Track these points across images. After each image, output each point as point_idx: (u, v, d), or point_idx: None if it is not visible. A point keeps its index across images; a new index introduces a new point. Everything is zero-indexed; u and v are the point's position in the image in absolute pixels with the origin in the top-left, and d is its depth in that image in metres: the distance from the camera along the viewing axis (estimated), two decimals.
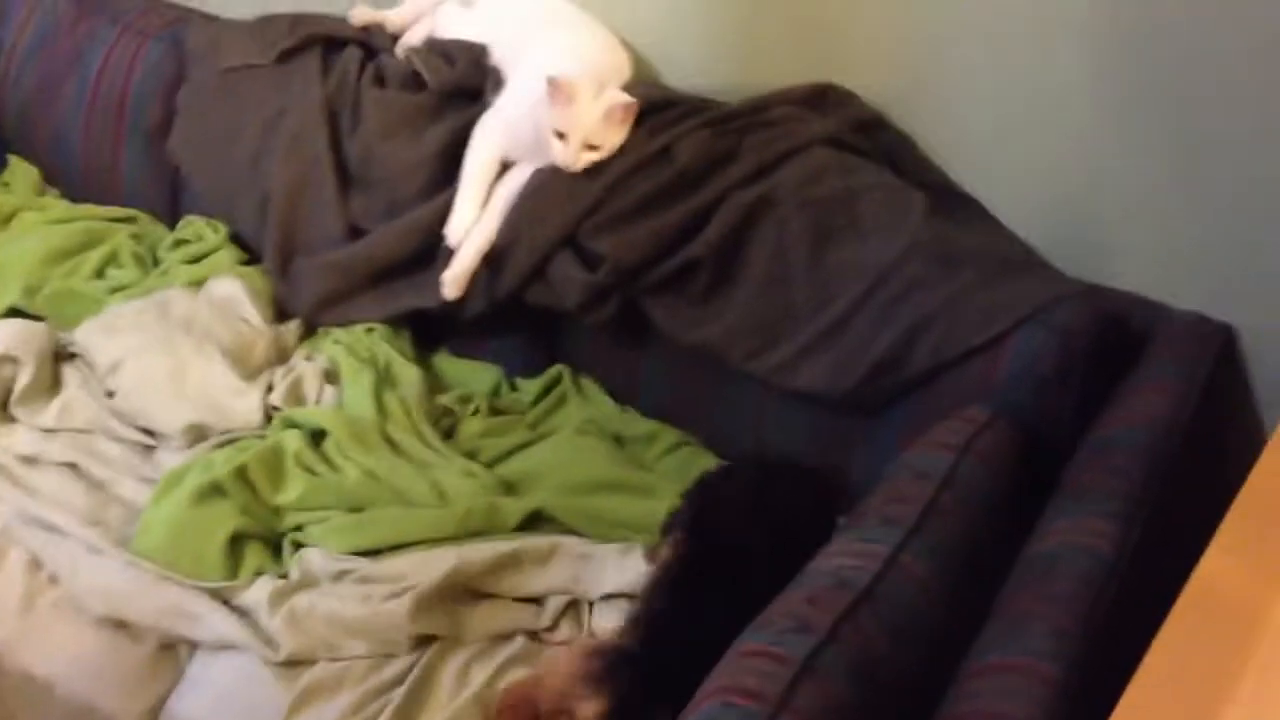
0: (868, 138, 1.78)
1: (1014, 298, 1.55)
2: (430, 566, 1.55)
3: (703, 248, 1.73)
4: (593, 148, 1.77)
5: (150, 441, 1.81)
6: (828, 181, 1.70)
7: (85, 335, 1.95)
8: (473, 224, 1.85)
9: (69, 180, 2.38)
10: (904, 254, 1.62)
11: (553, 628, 1.54)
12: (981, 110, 1.75)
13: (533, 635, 1.54)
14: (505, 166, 1.88)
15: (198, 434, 1.80)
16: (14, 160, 2.43)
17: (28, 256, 2.13)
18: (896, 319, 1.59)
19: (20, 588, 1.61)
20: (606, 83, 1.83)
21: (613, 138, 1.78)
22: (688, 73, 1.97)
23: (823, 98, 1.82)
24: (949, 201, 1.73)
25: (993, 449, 1.37)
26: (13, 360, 1.88)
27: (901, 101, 1.81)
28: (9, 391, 1.85)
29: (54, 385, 1.90)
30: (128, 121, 2.26)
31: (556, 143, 1.76)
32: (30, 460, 1.76)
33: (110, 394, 1.87)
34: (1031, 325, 1.52)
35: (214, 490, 1.65)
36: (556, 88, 1.73)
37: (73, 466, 1.76)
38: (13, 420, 1.83)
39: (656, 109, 1.85)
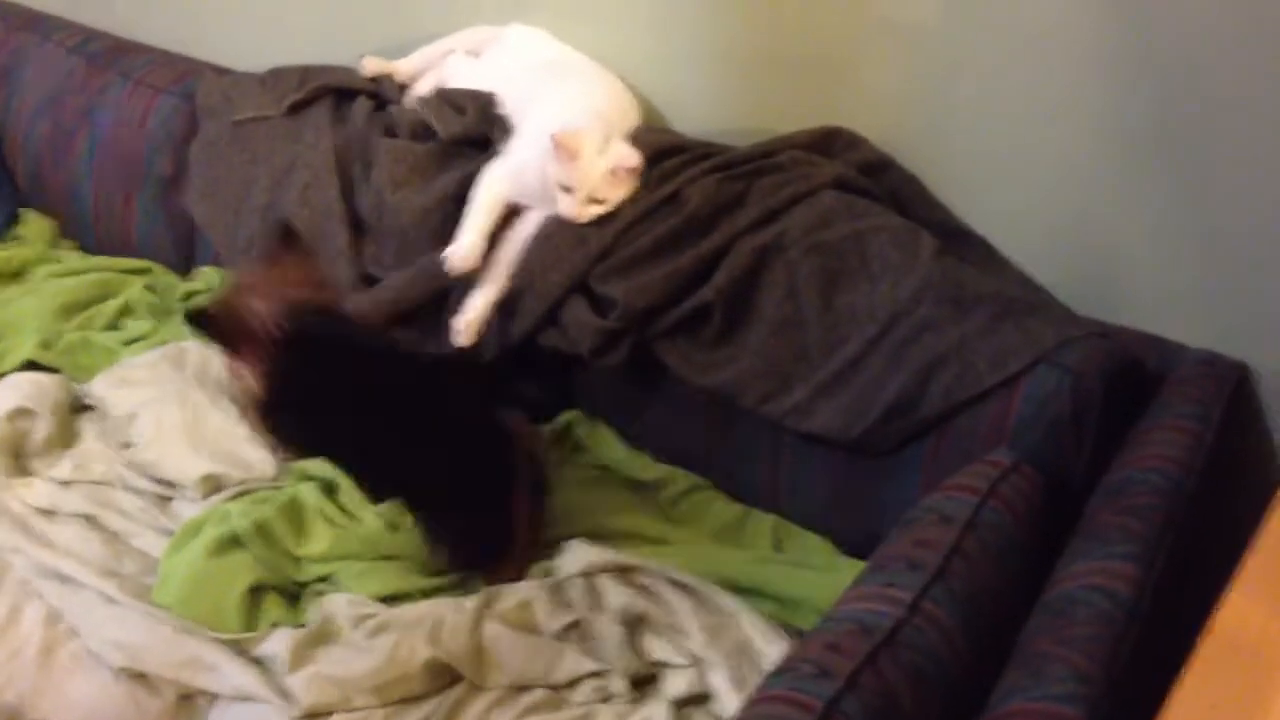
0: (876, 180, 1.80)
1: (1026, 339, 1.55)
2: (448, 613, 1.55)
3: (713, 292, 1.73)
4: (598, 201, 1.78)
5: (167, 493, 1.81)
6: (837, 225, 1.71)
7: (100, 387, 1.96)
8: (476, 251, 1.85)
9: (83, 232, 2.41)
10: (915, 296, 1.62)
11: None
12: (990, 150, 1.76)
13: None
14: (515, 212, 1.89)
15: (214, 484, 1.80)
16: (28, 213, 2.45)
17: (43, 309, 2.15)
18: (909, 361, 1.60)
19: (39, 640, 1.60)
20: (614, 129, 1.85)
21: (617, 193, 1.79)
22: (696, 118, 1.99)
23: (831, 141, 1.84)
24: (958, 242, 1.74)
25: (1015, 494, 1.37)
26: (29, 413, 1.89)
27: (909, 143, 1.83)
28: (26, 444, 1.86)
29: (70, 438, 1.91)
30: (140, 174, 2.28)
31: (563, 196, 1.77)
32: (48, 513, 1.76)
33: (126, 445, 1.88)
34: (1044, 366, 1.53)
35: (232, 542, 1.65)
36: (561, 144, 1.74)
37: (90, 518, 1.76)
38: (30, 473, 1.83)
39: (665, 154, 1.86)
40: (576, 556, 1.63)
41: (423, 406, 1.61)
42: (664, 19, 1.95)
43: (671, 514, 1.80)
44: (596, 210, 1.79)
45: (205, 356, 2.00)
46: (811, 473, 1.73)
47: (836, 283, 1.69)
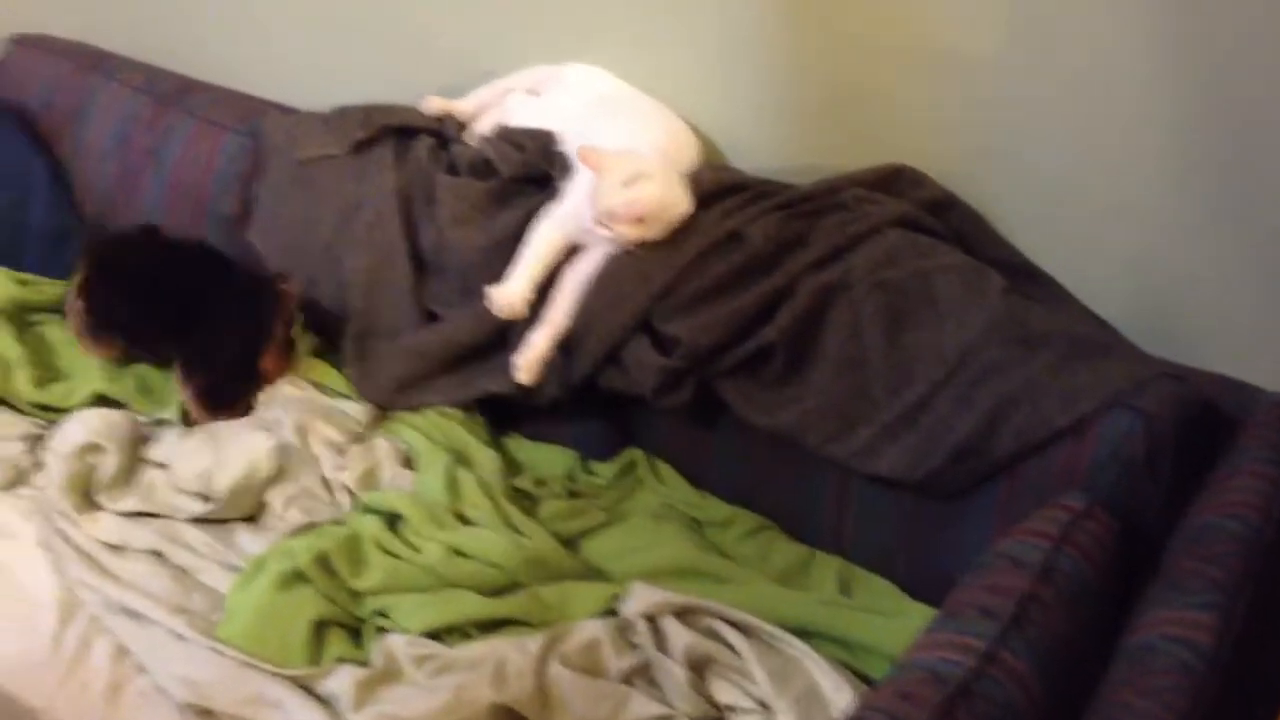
0: (940, 218, 1.79)
1: (1098, 380, 1.53)
2: (511, 654, 1.55)
3: (776, 331, 1.73)
4: (608, 227, 1.79)
5: (205, 508, 1.83)
6: (902, 263, 1.70)
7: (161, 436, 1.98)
8: (521, 295, 1.86)
9: None
10: (983, 335, 1.61)
11: None
12: (1054, 186, 1.76)
13: None
14: (576, 250, 1.89)
15: (249, 479, 1.83)
16: None
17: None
18: (977, 402, 1.59)
19: (107, 676, 1.61)
20: (674, 166, 1.85)
21: (636, 230, 1.79)
22: (756, 155, 1.99)
23: (894, 179, 1.83)
24: (1025, 280, 1.73)
25: (1091, 540, 1.35)
26: (98, 448, 1.91)
27: (972, 180, 1.82)
28: (94, 479, 1.88)
29: (137, 472, 1.93)
30: (207, 212, 2.31)
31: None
32: (116, 548, 1.78)
33: (162, 466, 1.91)
34: (1117, 408, 1.51)
35: (296, 577, 1.66)
36: (583, 157, 1.78)
37: (157, 554, 1.78)
38: (98, 508, 1.85)
39: (726, 192, 1.86)
40: (641, 598, 1.62)
41: (199, 281, 2.09)
42: (723, 57, 1.95)
43: (734, 554, 1.78)
44: (610, 236, 1.79)
45: None
46: (878, 515, 1.71)
47: (902, 322, 1.68)
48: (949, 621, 1.24)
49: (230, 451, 1.88)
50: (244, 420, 1.97)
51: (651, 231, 1.79)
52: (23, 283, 2.32)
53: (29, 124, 2.58)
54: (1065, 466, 1.53)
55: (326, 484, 1.89)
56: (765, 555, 1.77)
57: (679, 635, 1.57)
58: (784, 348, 1.73)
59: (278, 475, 1.87)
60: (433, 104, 2.21)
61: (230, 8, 2.50)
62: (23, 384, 2.09)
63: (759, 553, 1.78)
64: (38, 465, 1.96)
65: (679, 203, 1.81)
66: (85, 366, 2.13)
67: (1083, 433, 1.52)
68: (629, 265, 1.82)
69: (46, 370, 2.14)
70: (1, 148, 2.51)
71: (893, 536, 1.71)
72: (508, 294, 1.86)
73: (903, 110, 1.83)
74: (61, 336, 2.21)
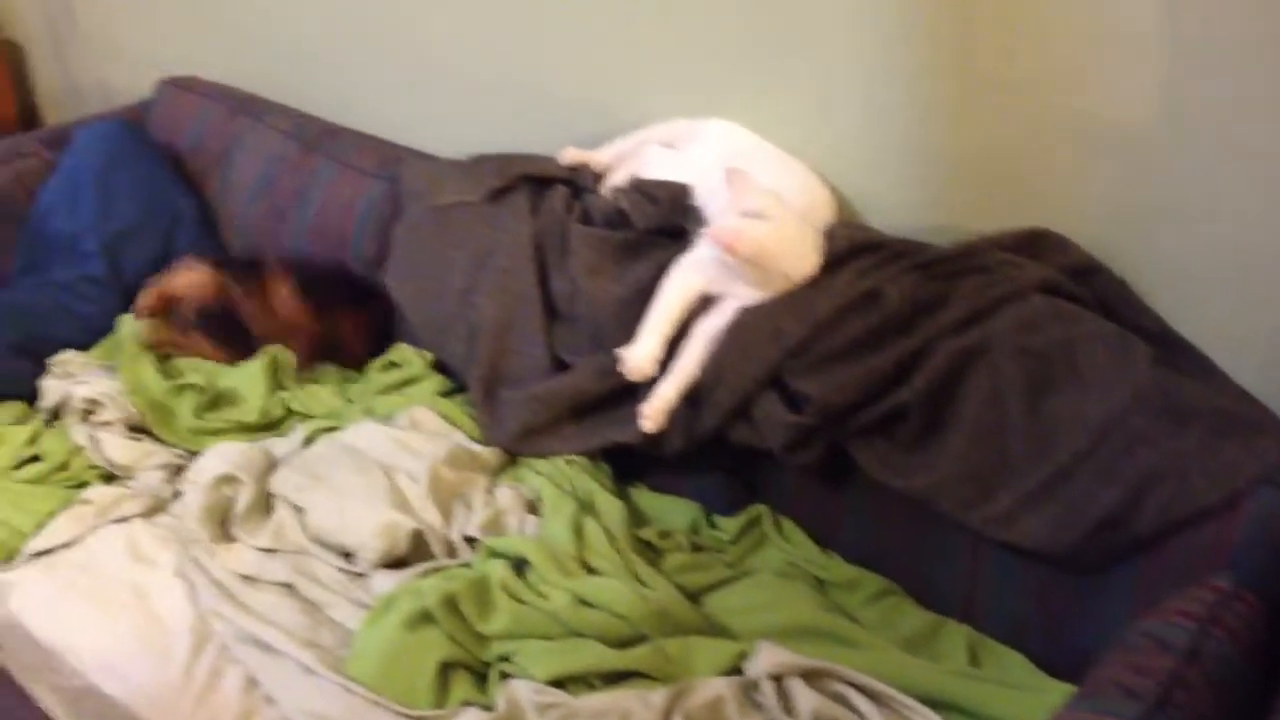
0: (1084, 284, 1.75)
1: (1248, 456, 1.49)
2: (636, 708, 1.54)
3: (912, 393, 1.71)
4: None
5: (348, 566, 1.85)
6: (1045, 329, 1.67)
7: (284, 475, 2.01)
8: (652, 356, 1.87)
9: None
10: (1128, 406, 1.57)
11: None
12: (1201, 256, 1.71)
13: None
14: (708, 302, 1.90)
15: (391, 536, 1.83)
16: None
17: (256, 381, 2.25)
18: (1121, 474, 1.55)
19: (237, 706, 1.64)
20: (810, 222, 1.85)
21: (731, 260, 1.80)
22: (892, 214, 1.98)
23: (1037, 243, 1.80)
24: (1171, 351, 1.68)
25: (1239, 622, 1.30)
26: (234, 480, 1.96)
27: (1116, 247, 1.78)
28: (231, 511, 1.93)
29: (270, 505, 1.97)
30: (348, 254, 2.37)
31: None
32: (249, 580, 1.82)
33: (299, 509, 1.93)
34: (1267, 487, 1.46)
35: (424, 618, 1.67)
36: (731, 175, 1.81)
37: (289, 587, 1.81)
38: (233, 539, 1.90)
39: (863, 250, 1.85)
40: (767, 657, 1.60)
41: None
42: (863, 116, 1.95)
43: (860, 617, 1.76)
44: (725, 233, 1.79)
45: (388, 435, 2.05)
46: (1012, 585, 1.68)
47: (1044, 389, 1.65)
48: (1090, 700, 1.21)
49: (366, 520, 1.86)
50: (378, 462, 1.99)
51: (752, 272, 1.79)
52: None
53: (178, 163, 2.68)
54: (1211, 545, 1.48)
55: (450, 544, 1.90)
56: (892, 620, 1.74)
57: (806, 698, 1.55)
58: (920, 410, 1.71)
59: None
60: (569, 154, 2.24)
61: (374, 59, 2.57)
62: (182, 416, 2.18)
63: (885, 617, 1.75)
64: (177, 494, 2.01)
65: (792, 256, 1.81)
66: (232, 400, 2.23)
67: (1231, 511, 1.47)
68: (761, 319, 1.81)
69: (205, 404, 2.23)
70: (151, 184, 2.61)
71: (1026, 608, 1.67)
72: (638, 356, 1.87)
73: (1046, 174, 1.81)
74: (208, 369, 2.30)
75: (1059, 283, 1.73)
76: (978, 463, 1.67)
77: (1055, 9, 1.70)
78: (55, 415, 2.21)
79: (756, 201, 1.79)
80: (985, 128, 1.84)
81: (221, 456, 2.00)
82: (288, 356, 2.30)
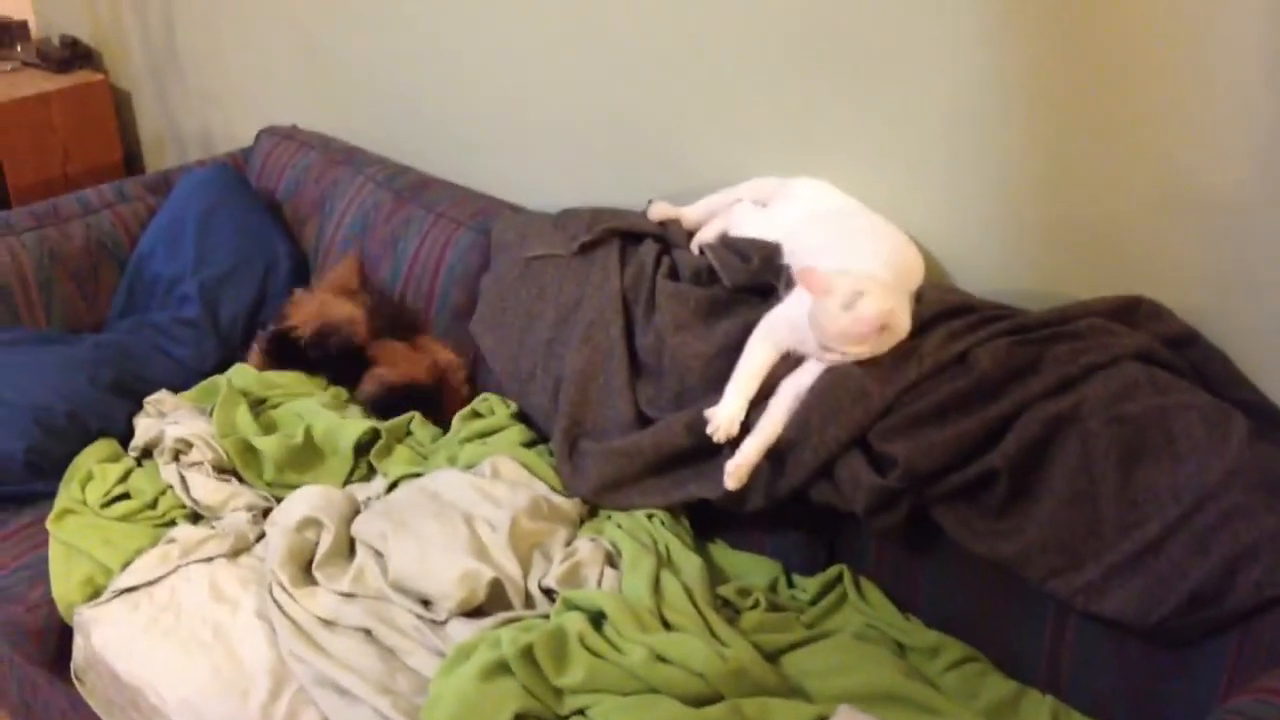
0: (1180, 354, 1.72)
1: None
2: None
3: (1001, 459, 1.68)
4: (833, 351, 1.77)
5: (426, 613, 1.84)
6: (1139, 398, 1.64)
7: (366, 520, 2.01)
8: (736, 418, 1.86)
9: None
10: (1223, 480, 1.53)
11: None
12: None
13: None
14: (797, 361, 1.89)
15: (470, 585, 1.82)
16: None
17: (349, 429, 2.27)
18: (1215, 548, 1.51)
19: None
20: (900, 285, 1.84)
21: (859, 349, 1.77)
22: (983, 277, 1.96)
23: (1132, 310, 1.77)
24: (1269, 425, 1.64)
25: None
26: (316, 524, 1.98)
27: (1213, 317, 1.75)
28: (312, 554, 1.94)
29: (352, 550, 1.98)
30: (436, 303, 2.40)
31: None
32: (328, 623, 1.83)
33: (380, 555, 1.93)
34: None
35: (500, 668, 1.66)
36: (803, 278, 1.76)
37: (366, 632, 1.82)
38: (314, 582, 1.91)
39: (953, 314, 1.83)
40: None
41: None
42: (955, 178, 1.94)
43: (941, 684, 1.73)
44: (838, 358, 1.78)
45: (470, 484, 2.05)
46: (1098, 657, 1.64)
47: (1137, 459, 1.61)
48: None
49: (446, 568, 1.86)
50: (459, 510, 2.00)
51: (880, 348, 1.77)
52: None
53: (276, 209, 2.74)
54: None
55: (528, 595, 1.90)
56: (974, 688, 1.71)
57: None
58: (1008, 476, 1.68)
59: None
60: (658, 209, 2.25)
61: (471, 112, 2.62)
62: (267, 469, 2.22)
63: (967, 685, 1.72)
64: (261, 536, 2.04)
65: (900, 318, 1.79)
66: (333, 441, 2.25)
67: None
68: (849, 380, 1.80)
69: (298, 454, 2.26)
70: (249, 230, 2.67)
71: (1113, 682, 1.62)
72: (722, 417, 1.86)
73: (1143, 240, 1.78)
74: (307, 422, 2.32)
75: (1154, 351, 1.70)
76: (1065, 532, 1.63)
77: (1155, 71, 1.68)
78: (146, 454, 2.26)
79: (848, 287, 1.75)
80: (1079, 191, 1.82)
81: (304, 500, 2.02)
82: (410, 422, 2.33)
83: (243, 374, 2.42)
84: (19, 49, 3.71)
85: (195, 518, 2.12)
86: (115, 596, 1.95)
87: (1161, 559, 1.55)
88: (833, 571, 1.92)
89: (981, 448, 1.71)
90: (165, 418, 2.30)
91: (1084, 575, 1.61)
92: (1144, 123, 1.72)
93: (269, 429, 2.30)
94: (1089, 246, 1.84)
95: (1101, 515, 1.62)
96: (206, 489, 2.14)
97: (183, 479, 2.15)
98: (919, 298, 1.85)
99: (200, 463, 2.18)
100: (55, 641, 1.99)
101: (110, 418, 2.31)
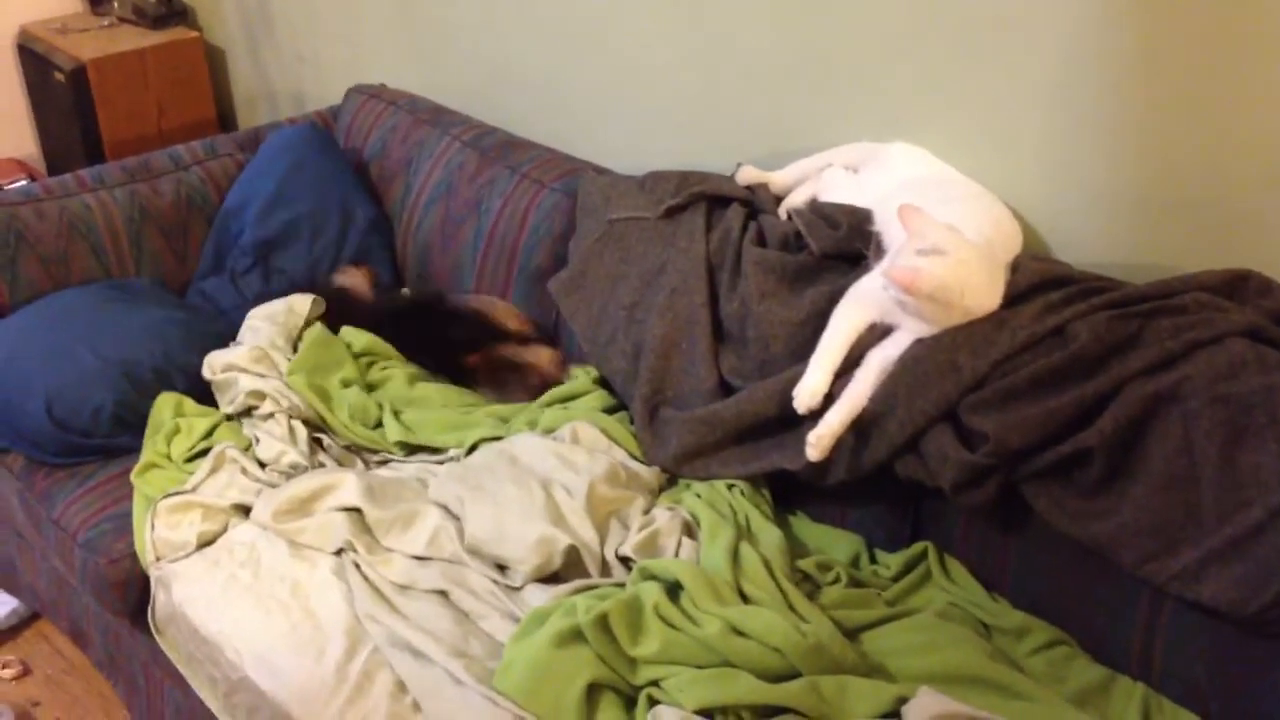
0: None
1: None
2: None
3: (1097, 437, 1.62)
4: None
5: (502, 578, 1.83)
6: (1246, 377, 1.56)
7: (443, 483, 2.01)
8: (820, 391, 1.81)
9: None
10: None
11: None
12: None
13: None
14: (885, 332, 1.83)
15: (547, 550, 1.81)
16: None
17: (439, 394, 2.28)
18: None
19: (384, 710, 1.65)
20: (997, 255, 1.78)
21: (909, 300, 1.72)
22: (1082, 248, 1.89)
23: (1240, 285, 1.69)
24: None
25: None
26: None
27: None
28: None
29: (423, 514, 1.96)
30: (518, 264, 2.38)
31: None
32: (404, 588, 1.83)
33: (456, 517, 1.93)
34: None
35: (575, 635, 1.64)
36: (904, 212, 1.73)
37: (443, 595, 1.81)
38: (390, 550, 1.90)
39: (1051, 285, 1.77)
40: (928, 704, 1.53)
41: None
42: (1055, 146, 1.87)
43: (1027, 667, 1.68)
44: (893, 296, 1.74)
45: (548, 449, 2.03)
46: (1193, 645, 1.58)
47: (1241, 440, 1.54)
48: None
49: (522, 534, 1.85)
50: (537, 475, 1.98)
51: (931, 309, 1.72)
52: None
53: (362, 169, 2.74)
54: None
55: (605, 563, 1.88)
56: (1061, 673, 1.65)
57: None
58: (1103, 455, 1.61)
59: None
60: (747, 173, 2.20)
61: (561, 73, 2.59)
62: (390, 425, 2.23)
63: (1054, 669, 1.66)
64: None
65: (972, 291, 1.72)
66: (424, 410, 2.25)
67: None
68: (938, 352, 1.74)
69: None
70: (329, 188, 2.67)
71: (1207, 670, 1.56)
72: (805, 390, 1.82)
73: (1254, 213, 1.70)
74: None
75: (1263, 328, 1.62)
76: (1163, 514, 1.57)
77: (1271, 47, 1.59)
78: (247, 412, 2.26)
79: (933, 237, 1.72)
80: (1192, 162, 1.74)
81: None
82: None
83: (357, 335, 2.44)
84: (116, 5, 3.75)
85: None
86: (195, 554, 1.97)
87: (1263, 545, 1.48)
88: (917, 548, 1.87)
89: (1076, 425, 1.64)
90: (244, 373, 2.29)
91: (1180, 560, 1.55)
92: (1259, 98, 1.64)
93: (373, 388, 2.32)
94: (1196, 219, 1.77)
95: (1201, 498, 1.55)
96: (271, 450, 2.14)
97: (255, 438, 2.16)
98: (1015, 268, 1.79)
99: (272, 414, 2.19)
100: (137, 594, 2.02)
101: (196, 375, 2.33)
